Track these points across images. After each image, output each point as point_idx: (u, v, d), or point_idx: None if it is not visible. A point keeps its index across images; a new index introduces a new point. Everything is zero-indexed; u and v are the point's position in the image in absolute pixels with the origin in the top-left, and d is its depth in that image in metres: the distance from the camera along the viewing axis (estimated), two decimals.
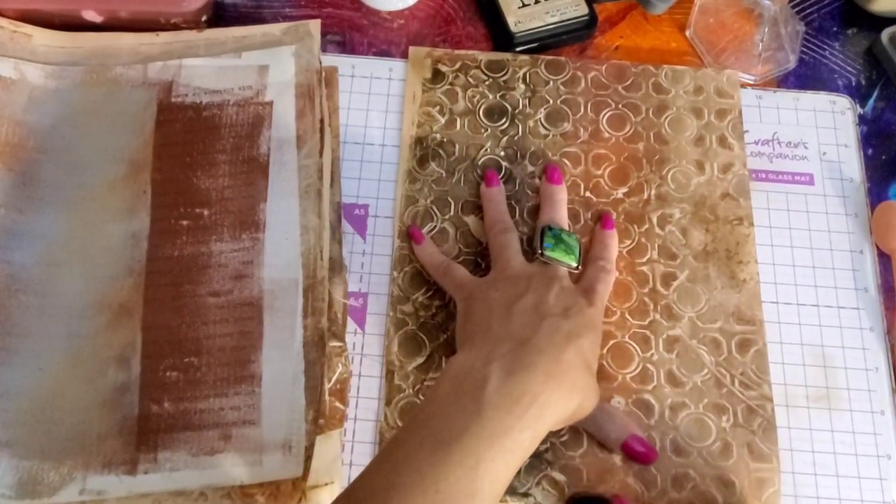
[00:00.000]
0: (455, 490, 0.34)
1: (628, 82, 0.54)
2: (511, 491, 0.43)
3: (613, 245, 0.48)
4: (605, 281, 0.46)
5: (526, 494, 0.43)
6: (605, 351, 0.46)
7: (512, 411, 0.36)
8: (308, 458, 0.41)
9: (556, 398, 0.37)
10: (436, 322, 0.47)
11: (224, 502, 0.41)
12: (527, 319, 0.41)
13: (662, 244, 0.49)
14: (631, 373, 0.46)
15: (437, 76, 0.53)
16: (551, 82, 0.54)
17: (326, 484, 0.42)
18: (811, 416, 0.45)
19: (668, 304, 0.48)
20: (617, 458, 0.44)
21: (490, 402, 0.36)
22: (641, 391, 0.45)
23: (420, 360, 0.46)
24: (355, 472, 0.43)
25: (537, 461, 0.44)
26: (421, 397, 0.45)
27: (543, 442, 0.43)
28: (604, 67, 0.54)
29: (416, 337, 0.46)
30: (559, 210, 0.48)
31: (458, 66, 0.54)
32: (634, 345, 0.47)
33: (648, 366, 0.46)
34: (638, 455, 0.43)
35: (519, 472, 0.43)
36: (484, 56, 0.54)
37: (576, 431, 0.44)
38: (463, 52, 0.54)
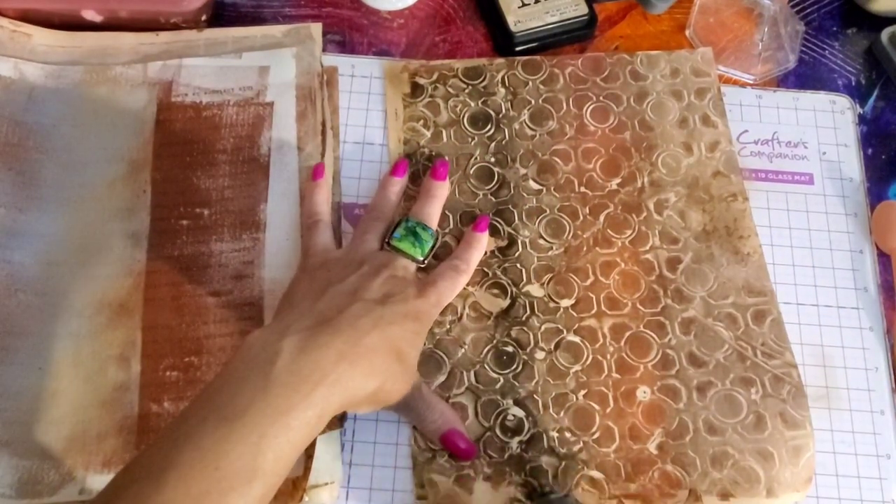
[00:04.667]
0: (236, 467, 0.33)
1: (605, 73, 0.54)
2: (551, 493, 0.43)
3: (476, 247, 0.47)
4: (451, 278, 0.45)
5: (566, 497, 0.43)
6: (622, 343, 0.46)
7: (299, 389, 0.35)
8: (308, 457, 0.41)
9: (346, 379, 0.37)
10: (451, 337, 0.46)
11: None
12: (338, 300, 0.40)
13: (662, 230, 0.49)
14: (652, 361, 0.46)
15: (417, 90, 0.53)
16: (530, 83, 0.53)
17: (326, 483, 0.42)
18: (811, 416, 0.45)
19: (677, 287, 0.48)
20: (652, 447, 0.44)
21: (278, 379, 0.35)
22: (665, 377, 0.45)
23: (441, 377, 0.45)
24: (355, 472, 0.44)
25: (573, 462, 0.43)
26: None
27: (576, 441, 0.44)
28: (579, 61, 0.54)
29: (435, 355, 0.46)
30: (431, 205, 0.47)
31: (435, 76, 0.53)
32: (650, 333, 0.47)
33: (668, 351, 0.46)
34: (457, 450, 0.42)
35: (556, 476, 0.43)
36: (460, 64, 0.54)
37: (606, 427, 0.44)
38: (438, 62, 0.54)
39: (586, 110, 0.53)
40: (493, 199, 0.50)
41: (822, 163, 0.53)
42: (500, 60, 0.54)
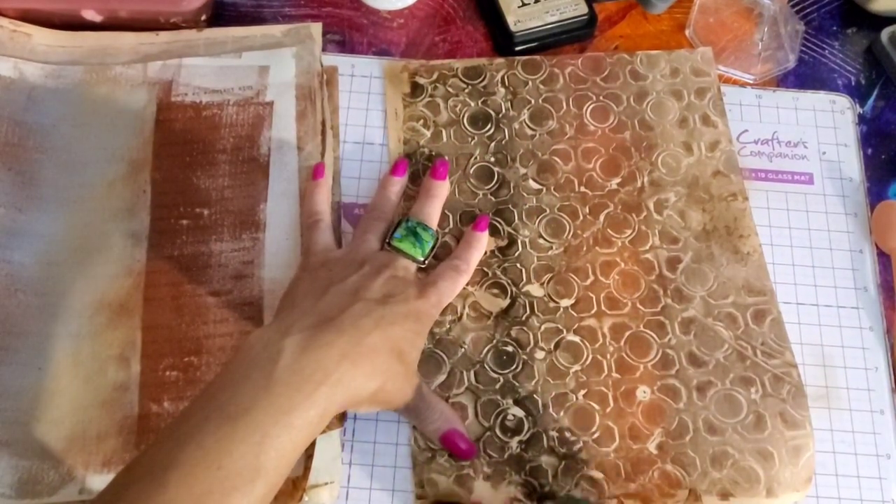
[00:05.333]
0: (238, 466, 0.33)
1: (605, 73, 0.54)
2: (551, 496, 0.43)
3: (476, 247, 0.47)
4: (452, 278, 0.45)
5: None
6: (622, 343, 0.46)
7: (301, 389, 0.35)
8: (308, 457, 0.41)
9: (349, 379, 0.37)
10: (451, 337, 0.46)
11: None
12: (339, 300, 0.41)
13: (662, 229, 0.49)
14: (652, 360, 0.46)
15: (417, 89, 0.53)
16: (530, 82, 0.53)
17: (326, 483, 0.42)
18: (811, 416, 0.45)
19: (677, 287, 0.48)
20: (652, 447, 0.44)
21: (280, 378, 0.35)
22: (665, 377, 0.45)
23: (441, 377, 0.45)
24: (355, 472, 0.44)
25: (573, 462, 0.43)
26: None
27: (576, 441, 0.44)
28: (579, 61, 0.54)
29: (434, 355, 0.46)
30: (431, 205, 0.48)
31: (435, 76, 0.53)
32: (650, 332, 0.47)
33: (668, 351, 0.46)
34: (457, 450, 0.43)
35: (556, 475, 0.43)
36: (460, 64, 0.54)
37: (606, 426, 0.44)
38: (438, 62, 0.54)
39: (586, 110, 0.53)
40: (492, 198, 0.50)
41: (821, 162, 0.53)
42: (500, 60, 0.54)
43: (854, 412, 0.46)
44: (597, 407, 0.45)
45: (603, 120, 0.53)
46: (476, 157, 0.51)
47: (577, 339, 0.46)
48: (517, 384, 0.45)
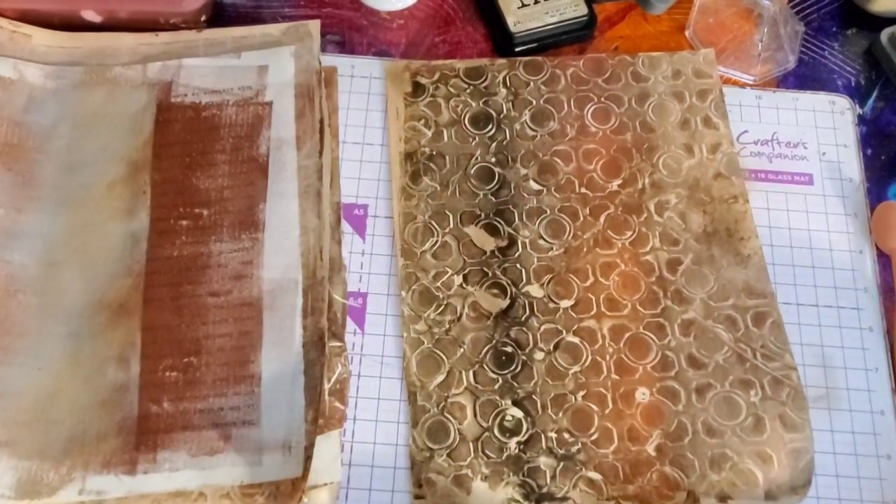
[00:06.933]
0: None
1: (607, 74, 0.54)
2: (549, 497, 0.43)
3: None
4: None
5: (564, 498, 0.43)
6: (622, 344, 0.46)
7: None
8: (308, 458, 0.41)
9: None
10: (451, 337, 0.46)
11: (223, 502, 0.41)
12: None
13: (663, 231, 0.49)
14: (651, 362, 0.46)
15: (418, 89, 0.53)
16: (531, 83, 0.53)
17: (326, 484, 0.42)
18: (811, 417, 0.45)
19: (677, 289, 0.48)
20: (651, 449, 0.44)
21: None
22: (664, 378, 0.45)
23: (440, 377, 0.45)
24: (354, 472, 0.44)
25: (571, 463, 0.43)
26: (446, 415, 0.44)
27: (574, 442, 0.44)
28: (581, 62, 0.54)
29: (434, 355, 0.46)
30: None
31: (437, 76, 0.53)
32: (650, 334, 0.47)
33: (667, 353, 0.46)
34: None
35: (554, 476, 0.43)
36: (461, 64, 0.54)
37: (605, 428, 0.44)
38: (440, 62, 0.54)
39: (587, 111, 0.53)
40: (493, 199, 0.50)
41: (821, 163, 0.53)
42: (502, 61, 0.54)
43: (854, 413, 0.46)
44: (596, 408, 0.45)
45: (604, 121, 0.53)
46: (477, 158, 0.51)
47: (576, 340, 0.46)
48: (516, 385, 0.45)
